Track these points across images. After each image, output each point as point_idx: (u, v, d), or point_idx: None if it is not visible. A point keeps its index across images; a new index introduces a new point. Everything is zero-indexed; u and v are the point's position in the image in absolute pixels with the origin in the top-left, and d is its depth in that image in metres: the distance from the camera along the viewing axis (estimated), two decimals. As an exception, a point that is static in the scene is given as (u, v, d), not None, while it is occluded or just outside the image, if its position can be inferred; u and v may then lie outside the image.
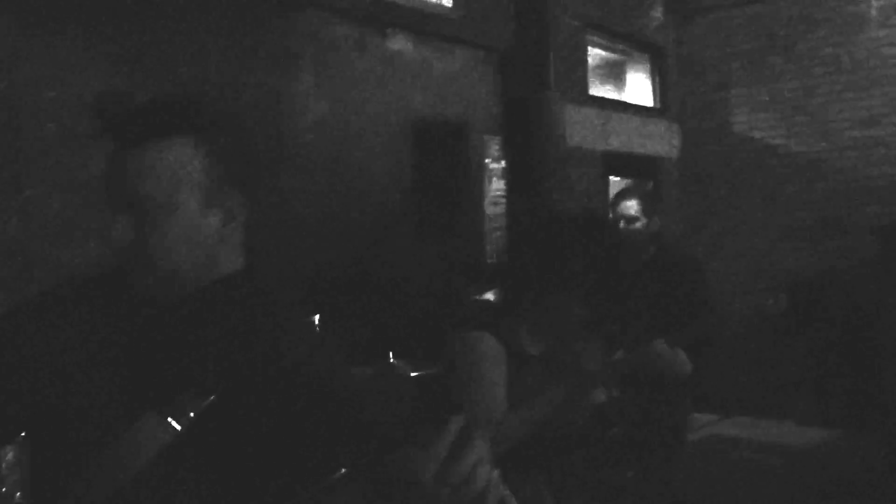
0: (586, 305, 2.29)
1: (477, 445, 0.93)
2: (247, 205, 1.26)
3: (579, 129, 6.77)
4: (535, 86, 6.04)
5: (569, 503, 2.45)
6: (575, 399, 2.24)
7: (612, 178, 7.32)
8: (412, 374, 3.59)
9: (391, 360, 3.56)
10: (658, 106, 7.97)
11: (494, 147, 5.94)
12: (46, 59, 3.63)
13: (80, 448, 1.12)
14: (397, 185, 5.20)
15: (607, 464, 2.50)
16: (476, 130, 5.78)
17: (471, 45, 5.78)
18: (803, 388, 6.87)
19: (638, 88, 8.03)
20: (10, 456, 2.37)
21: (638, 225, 3.49)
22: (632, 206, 3.50)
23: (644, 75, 8.05)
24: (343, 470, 1.05)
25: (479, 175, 5.83)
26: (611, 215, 3.64)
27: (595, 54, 7.54)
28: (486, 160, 5.89)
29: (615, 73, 8.10)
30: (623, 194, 3.62)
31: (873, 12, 7.06)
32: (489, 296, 2.23)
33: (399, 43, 5.31)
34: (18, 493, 2.38)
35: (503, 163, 5.97)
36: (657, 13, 7.84)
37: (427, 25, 5.43)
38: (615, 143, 7.20)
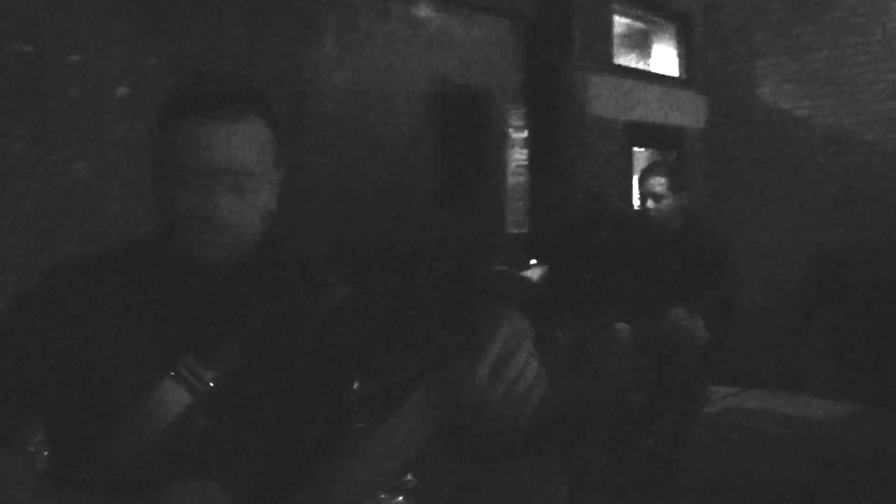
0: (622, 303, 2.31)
1: (524, 346, 1.05)
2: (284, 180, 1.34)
3: (603, 99, 6.70)
4: (558, 54, 5.98)
5: (587, 473, 2.47)
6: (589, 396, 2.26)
7: (635, 148, 7.26)
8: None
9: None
10: (683, 76, 7.87)
11: (517, 116, 5.90)
12: (69, 24, 3.64)
13: (110, 412, 1.14)
14: (419, 153, 5.19)
15: (627, 431, 2.51)
16: (499, 99, 5.74)
17: (494, 13, 5.72)
18: (824, 361, 6.84)
19: (663, 58, 7.93)
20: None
21: (665, 202, 3.48)
22: (659, 183, 3.48)
23: (669, 45, 7.94)
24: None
25: (500, 144, 5.81)
26: (638, 191, 3.63)
27: (620, 23, 7.44)
28: (508, 129, 5.85)
29: (640, 42, 8.00)
30: (650, 170, 3.59)
31: (906, -19, 6.91)
32: (531, 273, 2.22)
33: (422, 10, 5.27)
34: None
35: (525, 132, 5.94)
36: (684, -19, 7.71)
37: (450, -8, 5.38)
38: (639, 114, 7.13)
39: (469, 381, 1.03)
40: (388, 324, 1.24)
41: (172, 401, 1.15)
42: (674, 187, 3.49)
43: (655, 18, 7.78)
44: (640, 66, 7.73)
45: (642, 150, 7.50)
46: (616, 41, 7.21)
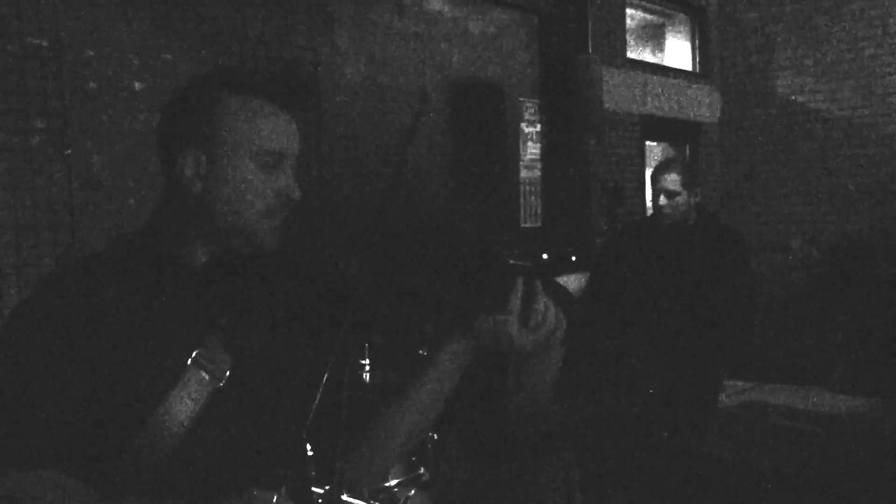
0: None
1: (542, 295, 1.21)
2: None
3: (617, 93, 6.68)
4: (572, 48, 5.96)
5: (602, 469, 2.47)
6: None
7: (648, 142, 7.23)
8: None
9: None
10: (698, 69, 7.83)
11: (530, 110, 5.89)
12: (87, 18, 3.65)
13: (140, 408, 1.13)
14: (433, 146, 5.19)
15: (643, 425, 2.51)
16: (513, 93, 5.73)
17: (509, 7, 5.71)
18: (841, 355, 6.80)
19: (678, 51, 7.89)
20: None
21: (679, 199, 3.45)
22: (673, 179, 3.45)
23: (684, 38, 7.90)
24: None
25: (514, 138, 5.80)
26: (651, 188, 3.61)
27: (634, 16, 7.41)
28: (522, 123, 5.84)
29: (655, 36, 7.97)
30: (664, 167, 3.56)
31: (925, -28, 6.84)
32: (569, 281, 2.21)
33: (437, 3, 5.26)
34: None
35: (539, 126, 5.92)
36: (699, -26, 7.67)
37: (464, -14, 5.38)
38: (653, 107, 7.10)
39: (502, 331, 1.20)
40: (410, 291, 1.27)
41: (196, 388, 1.15)
42: (687, 184, 3.46)
43: (670, 11, 7.74)
44: (655, 59, 7.70)
45: (655, 144, 7.47)
46: (630, 35, 7.19)
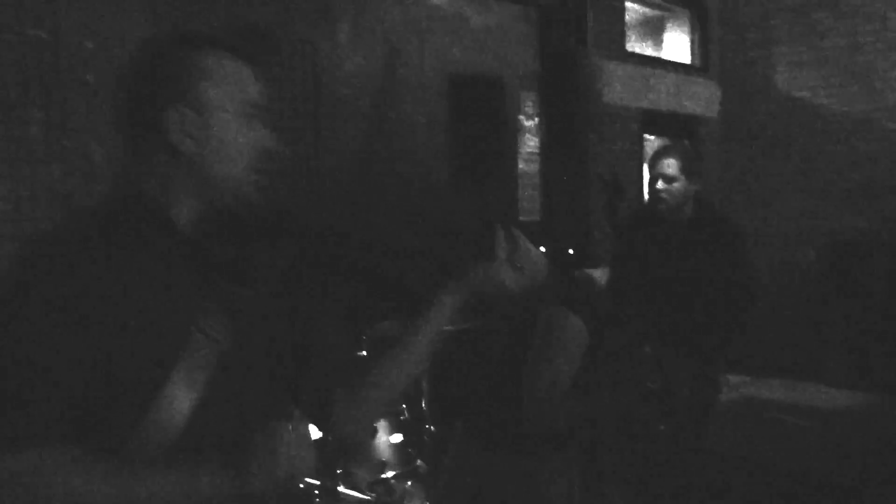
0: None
1: (522, 239, 1.34)
2: None
3: (616, 87, 6.67)
4: (572, 42, 5.95)
5: (601, 461, 2.48)
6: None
7: (648, 136, 7.23)
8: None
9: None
10: (698, 63, 7.82)
11: (529, 103, 5.88)
12: (86, 10, 3.65)
13: (153, 378, 1.14)
14: (432, 139, 5.19)
15: (641, 418, 2.51)
16: (512, 86, 5.72)
17: (508, 0, 5.70)
18: (839, 350, 6.81)
19: (677, 45, 7.88)
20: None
21: (677, 185, 3.41)
22: (671, 164, 3.41)
23: (684, 32, 7.89)
24: None
25: (513, 131, 5.79)
26: (649, 173, 3.58)
27: (634, 10, 7.40)
28: (521, 116, 5.84)
29: (654, 30, 7.96)
30: (662, 153, 3.51)
31: (925, -33, 6.83)
32: (595, 272, 2.23)
33: (436, -4, 5.25)
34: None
35: (537, 119, 5.92)
36: (699, -32, 7.66)
37: (464, -22, 5.37)
38: (653, 101, 7.10)
39: (494, 275, 1.33)
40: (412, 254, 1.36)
41: (204, 356, 1.17)
42: (686, 171, 3.41)
43: (670, 5, 7.73)
44: (654, 53, 7.70)
45: (654, 137, 7.47)
46: (630, 28, 7.18)
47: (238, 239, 1.27)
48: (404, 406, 3.39)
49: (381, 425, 3.31)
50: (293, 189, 4.42)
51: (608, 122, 6.59)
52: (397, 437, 3.33)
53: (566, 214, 5.99)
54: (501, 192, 5.68)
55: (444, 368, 3.94)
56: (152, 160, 1.20)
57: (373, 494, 3.14)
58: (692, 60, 7.82)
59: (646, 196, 6.60)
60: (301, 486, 2.73)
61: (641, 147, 7.09)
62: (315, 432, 1.25)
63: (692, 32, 7.86)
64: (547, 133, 5.92)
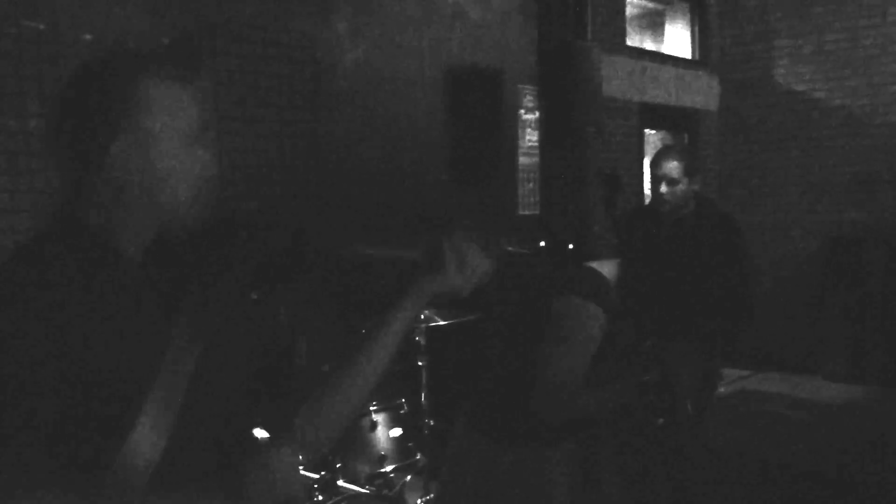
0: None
1: (466, 246, 1.47)
2: None
3: (616, 80, 6.66)
4: (571, 35, 5.93)
5: (598, 456, 2.48)
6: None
7: (647, 130, 7.22)
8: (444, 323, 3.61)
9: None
10: (697, 57, 7.81)
11: (529, 97, 5.87)
12: (84, 2, 3.63)
13: (135, 389, 1.13)
14: (431, 133, 5.18)
15: (639, 411, 2.51)
16: (511, 79, 5.71)
17: (507, -8, 5.68)
18: (838, 344, 6.82)
19: (677, 39, 7.87)
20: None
21: (680, 186, 3.43)
22: (674, 167, 3.43)
23: (683, 25, 7.88)
24: None
25: (513, 125, 5.78)
26: (651, 175, 3.59)
27: (634, 3, 7.39)
28: (520, 110, 5.83)
29: (654, 23, 7.94)
30: (664, 155, 3.53)
31: (925, -39, 6.82)
32: (605, 266, 2.24)
33: (435, -11, 5.24)
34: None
35: (537, 113, 5.91)
36: (699, -39, 7.64)
37: (463, -29, 5.35)
38: (652, 95, 7.09)
39: (442, 282, 1.43)
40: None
41: (182, 364, 1.17)
42: (688, 171, 3.45)
43: (669, -1, 7.72)
44: (654, 47, 7.68)
45: (654, 131, 7.47)
46: (630, 22, 7.16)
47: (185, 264, 1.28)
48: (403, 400, 3.39)
49: (381, 419, 3.32)
50: (290, 183, 4.42)
51: (608, 115, 6.58)
52: (397, 431, 3.34)
53: (565, 208, 5.98)
54: (500, 186, 5.67)
55: (445, 361, 3.94)
56: (96, 193, 1.18)
57: (372, 488, 3.15)
58: (692, 54, 7.81)
59: (646, 191, 6.60)
60: None
61: (641, 141, 7.09)
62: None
63: (692, 26, 7.85)
64: (546, 127, 5.90)
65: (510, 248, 5.39)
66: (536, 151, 5.93)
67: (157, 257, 1.24)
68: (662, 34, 7.93)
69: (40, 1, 3.50)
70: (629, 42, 7.01)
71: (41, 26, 3.51)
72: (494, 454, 2.33)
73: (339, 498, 2.95)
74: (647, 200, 4.28)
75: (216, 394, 1.25)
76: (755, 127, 7.72)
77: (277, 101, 4.36)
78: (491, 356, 2.52)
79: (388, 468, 3.27)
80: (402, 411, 3.38)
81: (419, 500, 3.53)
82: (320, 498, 2.90)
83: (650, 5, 7.77)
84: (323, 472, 3.02)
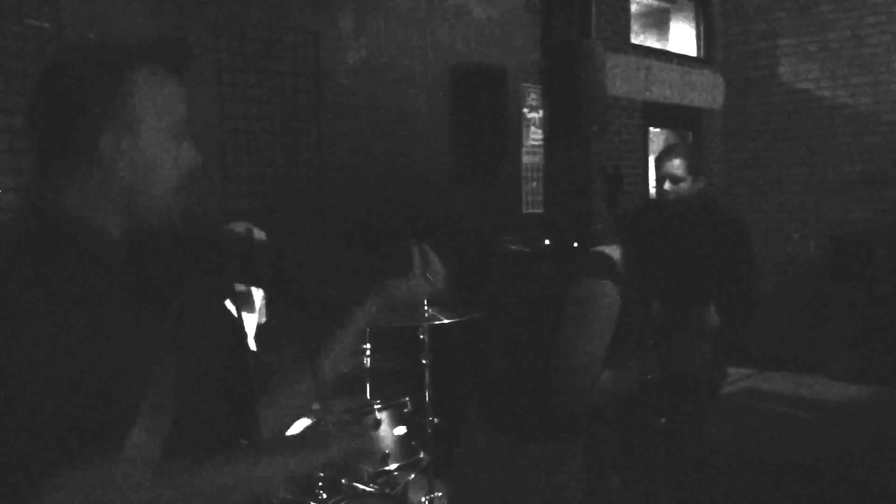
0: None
1: (432, 255, 1.57)
2: None
3: (620, 79, 6.65)
4: (575, 33, 5.92)
5: (602, 451, 2.47)
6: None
7: (651, 128, 7.21)
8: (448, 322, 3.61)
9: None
10: (702, 55, 7.80)
11: (533, 95, 5.87)
12: (88, 0, 3.64)
13: (138, 382, 1.11)
14: (434, 131, 5.18)
15: (641, 410, 2.51)
16: (515, 78, 5.70)
17: (512, -9, 5.68)
18: (842, 343, 6.80)
19: (681, 37, 7.85)
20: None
21: (684, 185, 3.43)
22: (678, 165, 3.43)
23: (688, 23, 7.86)
24: None
25: (517, 124, 5.78)
26: (655, 174, 3.58)
27: (638, 1, 7.38)
28: (524, 109, 5.82)
29: (658, 21, 7.93)
30: (668, 153, 3.53)
31: (931, -41, 6.80)
32: (609, 250, 2.27)
33: (439, -13, 5.23)
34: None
35: (541, 111, 5.90)
36: (704, -41, 7.62)
37: (467, -31, 5.35)
38: (657, 93, 7.08)
39: (408, 286, 1.55)
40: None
41: (170, 368, 1.16)
42: (692, 170, 3.45)
43: (674, -3, 7.70)
44: (659, 45, 7.67)
45: (658, 130, 7.45)
46: (634, 20, 7.15)
47: (162, 256, 1.28)
48: (407, 399, 3.39)
49: (385, 417, 3.32)
50: (293, 182, 4.42)
51: (612, 114, 6.57)
52: (400, 430, 3.33)
53: (570, 207, 5.98)
54: (504, 184, 5.67)
55: (449, 359, 3.94)
56: (81, 181, 1.17)
57: (375, 486, 3.14)
58: (696, 52, 7.79)
59: (651, 190, 6.59)
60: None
61: (646, 139, 7.07)
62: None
63: (697, 24, 7.83)
64: (550, 125, 5.90)
65: (514, 247, 5.39)
66: (540, 150, 5.93)
67: (139, 254, 1.24)
68: (667, 32, 7.92)
69: (45, -1, 3.51)
70: (633, 40, 7.00)
71: (45, 25, 3.52)
72: (511, 450, 2.33)
73: (342, 496, 2.94)
74: (652, 199, 4.29)
75: (202, 399, 1.24)
76: (760, 125, 7.70)
77: (280, 100, 4.37)
78: (501, 353, 2.52)
79: (392, 466, 3.26)
80: (405, 410, 3.38)
81: (423, 499, 3.53)
82: (324, 496, 2.90)
83: (654, 3, 7.75)
84: (327, 470, 3.02)
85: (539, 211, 5.90)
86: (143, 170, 1.19)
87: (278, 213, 4.22)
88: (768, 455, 4.99)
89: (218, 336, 1.33)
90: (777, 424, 5.82)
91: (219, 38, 4.10)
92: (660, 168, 3.50)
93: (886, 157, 7.00)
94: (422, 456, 3.40)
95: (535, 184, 5.92)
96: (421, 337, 3.60)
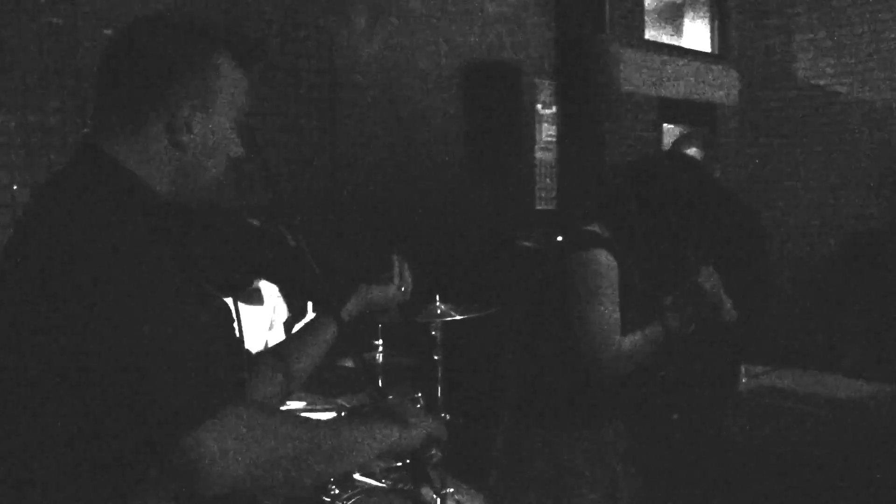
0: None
1: (406, 266, 1.70)
2: None
3: (634, 75, 6.62)
4: (589, 29, 5.91)
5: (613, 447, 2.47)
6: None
7: (666, 125, 7.18)
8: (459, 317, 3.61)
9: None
10: (717, 51, 7.75)
11: (546, 91, 5.85)
12: (103, -4, 3.66)
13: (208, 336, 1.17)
14: (448, 127, 5.18)
15: (653, 406, 2.51)
16: (528, 74, 5.69)
17: (525, -14, 5.67)
18: (857, 340, 6.76)
19: (696, 33, 7.81)
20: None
21: None
22: (694, 154, 3.40)
23: (703, 19, 7.81)
24: None
25: (530, 120, 5.77)
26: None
27: (652, -3, 7.34)
28: (538, 105, 5.81)
29: (672, 17, 7.88)
30: (684, 142, 3.49)
31: (949, -48, 6.73)
32: (593, 227, 2.30)
33: (452, -17, 5.23)
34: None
35: (554, 108, 5.89)
36: (719, -46, 7.57)
37: (481, -35, 5.34)
38: (671, 89, 7.04)
39: (386, 293, 1.67)
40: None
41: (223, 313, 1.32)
42: (707, 159, 3.40)
43: (689, -8, 7.66)
44: (673, 40, 7.63)
45: (672, 126, 7.42)
46: (649, 15, 7.12)
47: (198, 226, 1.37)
48: (420, 395, 3.39)
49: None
50: (309, 176, 4.43)
51: (626, 110, 6.55)
52: (412, 425, 3.34)
53: (583, 203, 5.97)
54: (518, 180, 5.66)
55: (461, 356, 3.94)
56: (146, 143, 1.22)
57: (388, 482, 3.15)
58: (711, 48, 7.74)
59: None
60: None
61: (660, 136, 7.04)
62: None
63: (711, 19, 7.78)
64: (564, 121, 5.88)
65: (527, 244, 5.38)
66: (554, 146, 5.91)
67: (182, 215, 1.30)
68: (681, 27, 7.87)
69: (60, -4, 3.53)
70: (647, 36, 6.97)
71: (61, 21, 3.54)
72: (547, 440, 2.33)
73: (354, 491, 2.95)
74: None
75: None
76: (775, 121, 7.65)
77: (294, 96, 4.37)
78: (522, 347, 2.52)
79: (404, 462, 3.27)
80: (418, 406, 3.38)
81: (434, 495, 3.53)
82: (336, 491, 2.91)
83: (669, -1, 7.72)
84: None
85: (552, 207, 5.89)
86: (205, 149, 1.25)
87: (292, 209, 4.23)
88: (783, 451, 4.97)
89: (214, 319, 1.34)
90: (792, 421, 5.79)
91: (234, 36, 4.11)
92: None
93: (903, 153, 6.94)
94: (434, 452, 3.40)
95: (548, 180, 5.91)
96: (433, 333, 3.61)
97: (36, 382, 1.07)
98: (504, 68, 5.50)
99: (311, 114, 4.44)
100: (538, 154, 5.84)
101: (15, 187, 3.41)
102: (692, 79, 7.30)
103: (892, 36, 6.99)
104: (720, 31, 7.77)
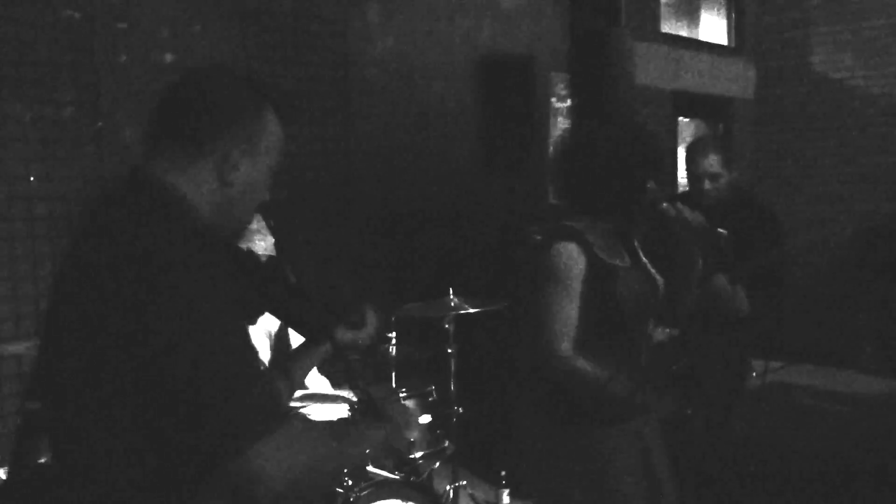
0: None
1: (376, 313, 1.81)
2: None
3: (650, 68, 6.59)
4: (604, 21, 5.87)
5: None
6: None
7: (681, 118, 7.14)
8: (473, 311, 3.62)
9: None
10: (733, 44, 7.69)
11: (561, 84, 5.83)
12: (119, -10, 3.67)
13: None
14: (462, 121, 5.17)
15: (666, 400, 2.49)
16: (543, 67, 5.67)
17: (540, -21, 5.64)
18: (870, 336, 6.71)
19: (712, 25, 7.76)
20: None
21: (722, 181, 3.34)
22: (714, 161, 3.33)
23: (719, 12, 7.76)
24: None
25: (544, 113, 5.75)
26: (689, 171, 3.48)
27: (668, -11, 7.30)
28: (552, 98, 5.79)
29: (689, 10, 7.83)
30: (703, 149, 3.41)
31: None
32: (574, 223, 2.30)
33: (467, -24, 5.22)
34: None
35: (569, 101, 5.87)
36: (736, -54, 7.52)
37: (495, -42, 5.32)
38: (686, 83, 7.00)
39: (357, 336, 1.77)
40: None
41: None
42: (726, 164, 3.36)
43: (705, -16, 7.61)
44: (689, 33, 7.58)
45: (688, 120, 7.38)
46: (664, 8, 7.08)
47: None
48: (433, 387, 3.40)
49: (410, 406, 3.33)
50: (320, 172, 4.44)
51: (641, 103, 6.52)
52: (426, 418, 3.35)
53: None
54: (532, 174, 5.65)
55: (474, 349, 3.95)
56: (198, 176, 1.37)
57: (401, 474, 3.16)
58: (727, 41, 7.69)
59: (680, 180, 6.53)
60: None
61: (675, 129, 7.00)
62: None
63: (728, 12, 7.73)
64: (578, 115, 5.86)
65: (539, 237, 5.37)
66: (568, 140, 5.89)
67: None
68: (698, 20, 7.82)
69: (76, -10, 3.54)
70: (663, 29, 6.93)
71: (76, 15, 3.56)
72: (560, 436, 2.32)
73: (367, 483, 2.97)
74: (683, 192, 4.22)
75: None
76: (792, 115, 7.59)
77: (307, 90, 4.38)
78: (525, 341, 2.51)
79: (417, 455, 3.28)
80: (430, 398, 3.39)
81: (447, 487, 3.54)
82: (349, 483, 2.93)
83: (685, -9, 7.67)
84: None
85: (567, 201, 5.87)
86: (246, 189, 1.40)
87: (306, 204, 4.24)
88: (797, 448, 4.95)
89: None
90: (806, 417, 5.77)
91: (247, 29, 4.12)
92: (695, 166, 3.38)
93: (921, 147, 6.88)
94: (446, 445, 3.41)
95: (562, 174, 5.88)
96: (446, 326, 3.62)
97: (113, 395, 1.20)
98: (518, 61, 5.49)
99: (324, 107, 4.45)
100: (552, 147, 5.82)
101: (31, 179, 3.44)
102: (708, 72, 7.26)
103: (911, 29, 6.92)
104: (737, 24, 7.72)
